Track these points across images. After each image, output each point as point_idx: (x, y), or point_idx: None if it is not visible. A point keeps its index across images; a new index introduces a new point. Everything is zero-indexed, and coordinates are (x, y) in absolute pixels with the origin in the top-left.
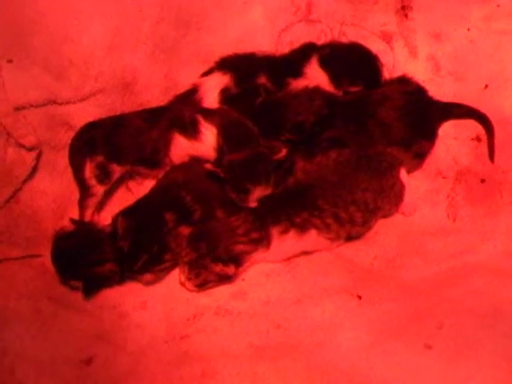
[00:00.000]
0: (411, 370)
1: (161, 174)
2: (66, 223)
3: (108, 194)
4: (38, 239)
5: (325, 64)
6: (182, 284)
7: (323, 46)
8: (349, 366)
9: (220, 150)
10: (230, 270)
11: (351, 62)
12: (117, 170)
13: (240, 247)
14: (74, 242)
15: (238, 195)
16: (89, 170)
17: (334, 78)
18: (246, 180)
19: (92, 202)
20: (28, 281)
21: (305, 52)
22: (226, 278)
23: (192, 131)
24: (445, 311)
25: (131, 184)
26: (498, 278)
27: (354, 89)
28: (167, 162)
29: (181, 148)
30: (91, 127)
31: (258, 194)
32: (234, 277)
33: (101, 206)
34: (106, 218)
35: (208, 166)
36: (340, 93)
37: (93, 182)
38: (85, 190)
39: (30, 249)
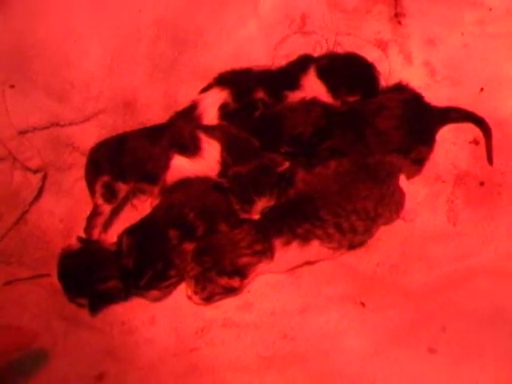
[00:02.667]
0: (416, 374)
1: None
2: (72, 242)
3: (114, 213)
4: (46, 259)
5: (322, 75)
6: (189, 298)
7: (320, 57)
8: (355, 373)
9: (224, 162)
10: (236, 282)
11: (349, 71)
12: (123, 188)
13: (244, 259)
14: (80, 260)
15: (242, 206)
16: (97, 190)
17: (332, 89)
18: (251, 191)
19: (99, 221)
20: (39, 301)
21: (302, 64)
22: (231, 291)
23: (193, 148)
24: (448, 315)
25: (136, 202)
26: (499, 280)
27: (352, 98)
28: (164, 180)
29: (179, 168)
30: (96, 149)
31: (261, 205)
32: (240, 289)
33: (107, 224)
34: (112, 236)
35: (213, 177)
36: (338, 103)
37: (100, 201)
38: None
39: (40, 269)
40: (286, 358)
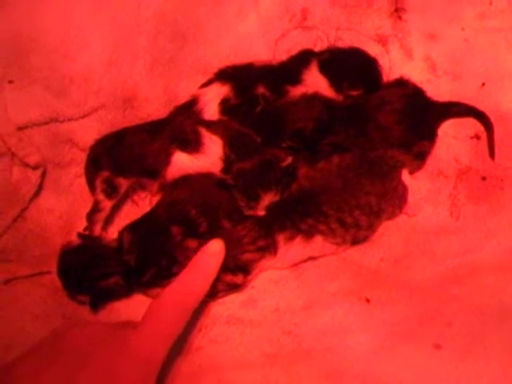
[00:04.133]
0: (422, 370)
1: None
2: (73, 238)
3: (115, 210)
4: (46, 256)
5: (325, 69)
6: None
7: (322, 52)
8: (360, 370)
9: (227, 158)
10: (239, 278)
11: (351, 66)
12: (123, 184)
13: (247, 256)
14: (80, 256)
15: (248, 202)
16: (98, 185)
17: (335, 83)
18: (257, 187)
19: (100, 217)
20: (41, 301)
21: (303, 58)
22: (235, 287)
23: (194, 144)
24: (453, 310)
25: (136, 198)
26: (504, 275)
27: (354, 92)
28: (164, 175)
29: (179, 165)
30: (96, 145)
31: (267, 200)
32: (243, 285)
33: (107, 221)
34: (112, 232)
35: (215, 173)
36: (340, 97)
37: (101, 197)
38: (95, 206)
39: (40, 266)
40: (291, 354)
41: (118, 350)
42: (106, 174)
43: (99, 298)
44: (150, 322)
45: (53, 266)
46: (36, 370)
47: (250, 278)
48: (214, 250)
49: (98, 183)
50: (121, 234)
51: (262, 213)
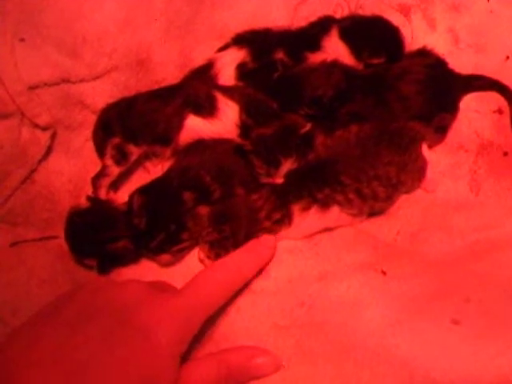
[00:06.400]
0: (439, 345)
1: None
2: (82, 201)
3: (125, 175)
4: (54, 220)
5: (346, 36)
6: (201, 261)
7: (344, 19)
8: (375, 344)
9: (243, 124)
10: None
11: (373, 33)
12: (134, 151)
13: (263, 233)
14: (89, 218)
15: (267, 169)
16: (108, 151)
17: (356, 51)
18: (278, 152)
19: (105, 182)
20: (48, 265)
21: (323, 25)
22: None
23: (209, 108)
24: (471, 285)
25: (148, 165)
26: None
27: (376, 61)
28: (177, 141)
29: (193, 128)
30: (107, 110)
31: (286, 167)
32: None
33: (117, 185)
34: (122, 197)
35: (230, 139)
36: (361, 66)
37: (109, 162)
38: (102, 170)
39: (48, 230)
40: (304, 327)
41: (158, 312)
42: (117, 140)
43: (107, 262)
44: (193, 290)
45: (61, 231)
46: (72, 323)
47: None
48: (268, 245)
49: (109, 149)
50: (131, 197)
51: (280, 180)
